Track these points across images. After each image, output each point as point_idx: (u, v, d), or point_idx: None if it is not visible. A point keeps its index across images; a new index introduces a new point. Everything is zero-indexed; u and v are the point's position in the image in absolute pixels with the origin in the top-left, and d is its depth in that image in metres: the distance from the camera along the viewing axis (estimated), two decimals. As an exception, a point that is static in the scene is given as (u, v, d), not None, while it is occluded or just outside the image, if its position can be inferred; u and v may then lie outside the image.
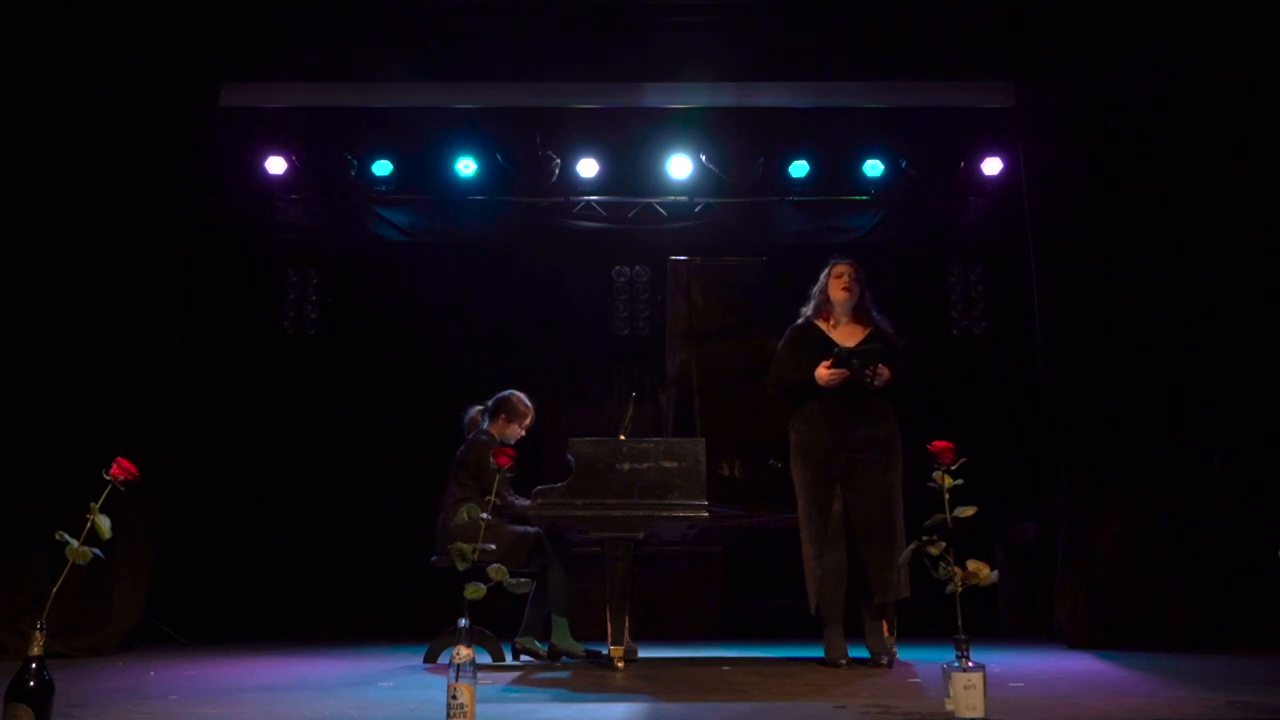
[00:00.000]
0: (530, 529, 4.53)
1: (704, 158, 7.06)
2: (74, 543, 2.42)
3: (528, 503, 4.35)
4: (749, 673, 3.79)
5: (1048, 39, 5.62)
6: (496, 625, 4.67)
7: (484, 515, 2.76)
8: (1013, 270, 6.49)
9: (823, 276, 4.32)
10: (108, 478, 2.53)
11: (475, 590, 2.53)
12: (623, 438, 4.27)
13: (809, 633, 4.42)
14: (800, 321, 4.33)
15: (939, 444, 2.71)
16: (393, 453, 7.15)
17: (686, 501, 4.07)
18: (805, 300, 4.38)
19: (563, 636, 4.50)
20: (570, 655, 4.48)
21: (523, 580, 2.74)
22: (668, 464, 4.10)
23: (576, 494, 4.12)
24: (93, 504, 2.46)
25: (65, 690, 2.63)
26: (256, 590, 6.82)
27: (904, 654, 4.24)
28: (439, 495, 4.75)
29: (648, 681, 3.53)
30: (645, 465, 4.10)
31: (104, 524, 2.45)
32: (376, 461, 7.22)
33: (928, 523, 2.62)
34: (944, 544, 2.56)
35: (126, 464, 2.54)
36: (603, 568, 4.13)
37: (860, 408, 4.06)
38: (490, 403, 4.93)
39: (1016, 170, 6.13)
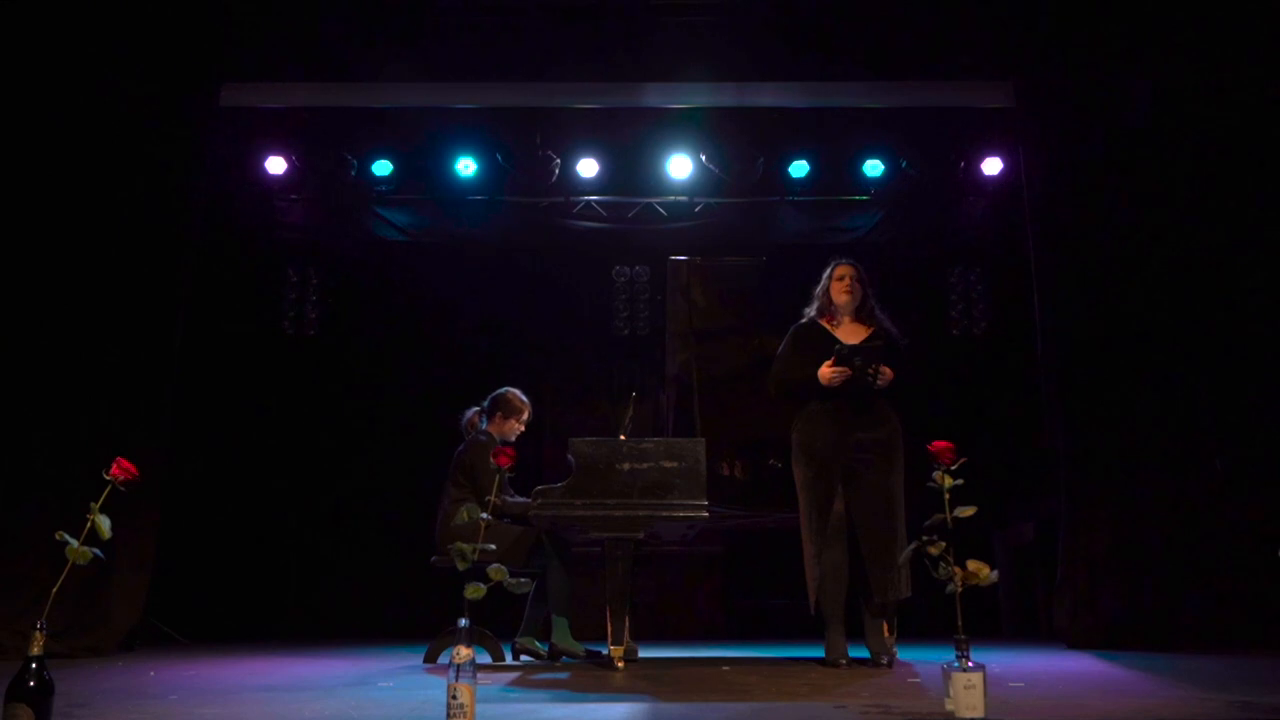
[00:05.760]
0: (530, 529, 4.53)
1: (704, 158, 7.06)
2: (74, 543, 2.42)
3: (523, 500, 4.37)
4: (749, 673, 3.79)
5: (1048, 39, 5.62)
6: (496, 625, 4.67)
7: (484, 515, 2.76)
8: (1013, 270, 6.49)
9: (825, 277, 4.31)
10: (108, 478, 2.53)
11: (475, 590, 2.53)
12: (623, 438, 4.27)
13: (809, 633, 4.42)
14: (803, 320, 4.32)
15: (939, 444, 2.71)
16: (393, 453, 7.15)
17: (686, 501, 4.07)
18: (805, 300, 4.37)
19: (563, 636, 4.50)
20: (570, 655, 4.48)
21: (523, 580, 2.74)
22: (668, 464, 4.10)
23: (576, 494, 4.12)
24: (93, 504, 2.46)
25: (65, 690, 2.63)
26: (256, 590, 6.82)
27: (904, 654, 4.24)
28: (439, 496, 4.76)
29: (648, 681, 3.52)
30: (645, 465, 4.10)
31: (104, 524, 2.45)
32: (377, 462, 7.22)
33: (928, 523, 2.62)
34: (944, 544, 2.56)
35: (126, 464, 2.54)
36: (603, 568, 4.13)
37: (862, 408, 4.05)
38: (486, 402, 4.93)
39: (1016, 170, 6.14)
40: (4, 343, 5.13)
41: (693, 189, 7.28)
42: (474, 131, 7.04)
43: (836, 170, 7.23)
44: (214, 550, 6.80)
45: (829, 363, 4.02)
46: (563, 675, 3.87)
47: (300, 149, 7.12)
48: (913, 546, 2.64)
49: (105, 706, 2.83)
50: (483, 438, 4.78)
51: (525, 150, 7.02)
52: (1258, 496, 4.95)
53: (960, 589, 2.54)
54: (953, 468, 2.67)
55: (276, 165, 7.13)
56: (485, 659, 4.44)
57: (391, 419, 7.27)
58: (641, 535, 4.12)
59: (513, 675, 3.84)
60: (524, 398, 4.93)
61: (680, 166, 7.06)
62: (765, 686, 3.32)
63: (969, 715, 2.38)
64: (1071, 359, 5.27)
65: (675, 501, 4.08)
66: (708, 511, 4.09)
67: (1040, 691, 3.11)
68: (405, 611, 6.53)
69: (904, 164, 7.14)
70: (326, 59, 5.84)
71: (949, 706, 2.42)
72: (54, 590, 2.45)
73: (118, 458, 2.55)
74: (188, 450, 6.20)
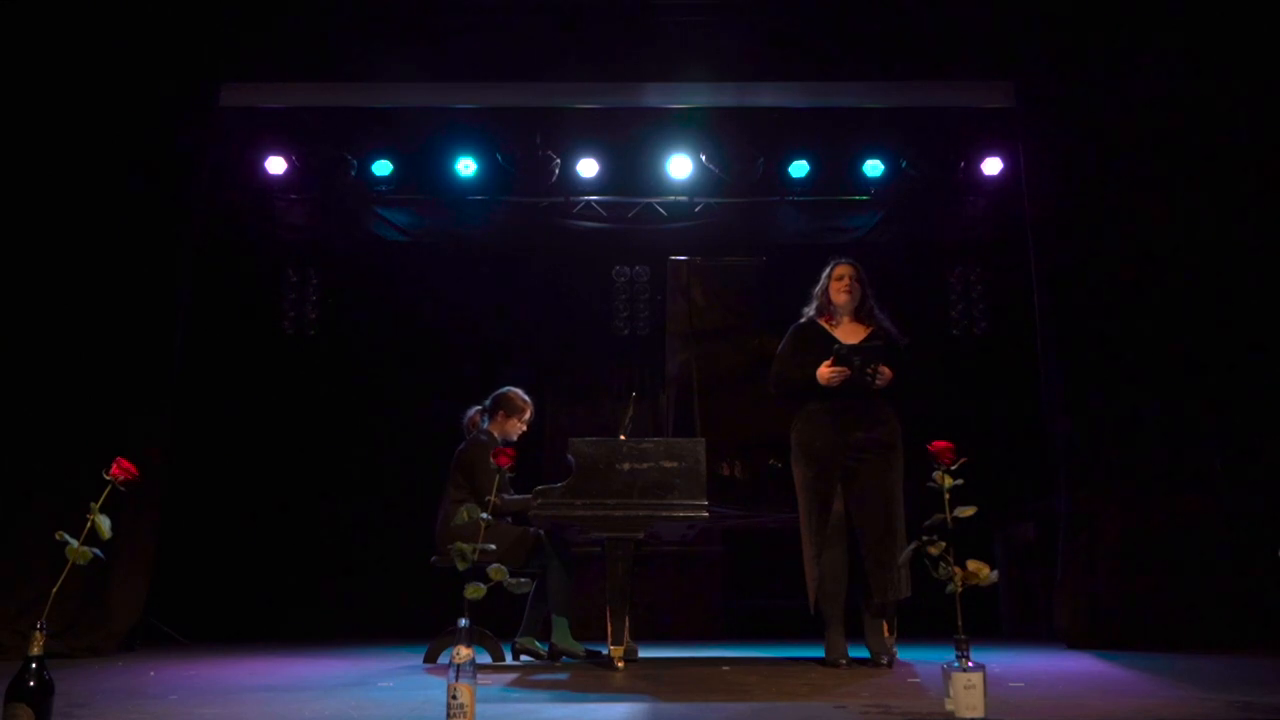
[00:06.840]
0: (530, 529, 4.53)
1: (704, 158, 7.06)
2: (74, 543, 2.42)
3: (522, 497, 4.37)
4: (749, 673, 3.79)
5: (1048, 39, 5.63)
6: (496, 625, 4.67)
7: (484, 515, 2.76)
8: (1013, 270, 6.49)
9: (824, 277, 4.31)
10: (108, 478, 2.53)
11: (475, 590, 2.53)
12: (623, 438, 4.27)
13: (809, 633, 4.42)
14: (802, 320, 4.32)
15: (939, 444, 2.71)
16: (393, 453, 7.15)
17: (686, 501, 4.08)
18: (805, 300, 4.37)
19: (563, 636, 4.50)
20: (570, 655, 4.48)
21: (523, 580, 2.74)
22: (668, 464, 4.10)
23: (577, 494, 4.12)
24: (93, 504, 2.46)
25: (65, 690, 2.63)
26: (256, 590, 6.82)
27: (904, 654, 4.24)
28: (439, 495, 4.76)
29: (648, 681, 3.52)
30: (645, 465, 4.10)
31: (104, 524, 2.45)
32: (377, 461, 7.22)
33: (928, 523, 2.61)
34: (944, 544, 2.56)
35: (126, 464, 2.54)
36: (603, 568, 4.13)
37: (862, 408, 4.05)
38: (488, 401, 4.93)
39: (1016, 170, 6.14)
40: (4, 343, 5.13)
41: (693, 189, 7.28)
42: (474, 131, 7.04)
43: (836, 170, 7.23)
44: (214, 550, 6.80)
45: (828, 362, 4.02)
46: (563, 675, 3.87)
47: (300, 149, 7.12)
48: (913, 546, 2.64)
49: (105, 706, 2.83)
50: (483, 437, 4.78)
51: (525, 150, 7.02)
52: (1258, 496, 4.95)
53: (960, 589, 2.54)
54: (953, 468, 2.67)
55: (276, 165, 7.13)
56: (485, 659, 4.44)
57: (392, 419, 7.27)
58: (641, 535, 4.12)
59: (513, 675, 3.84)
60: (526, 397, 4.92)
61: (680, 166, 7.05)
62: (765, 686, 3.32)
63: (969, 715, 2.38)
64: (1072, 359, 5.27)
65: (675, 501, 4.08)
66: (708, 511, 4.09)
67: (1040, 691, 3.11)
68: (405, 611, 6.53)
69: (904, 164, 7.14)
70: (327, 59, 5.85)
71: (949, 706, 2.42)
72: (54, 590, 2.45)
73: (118, 458, 2.55)
74: (188, 450, 6.20)
